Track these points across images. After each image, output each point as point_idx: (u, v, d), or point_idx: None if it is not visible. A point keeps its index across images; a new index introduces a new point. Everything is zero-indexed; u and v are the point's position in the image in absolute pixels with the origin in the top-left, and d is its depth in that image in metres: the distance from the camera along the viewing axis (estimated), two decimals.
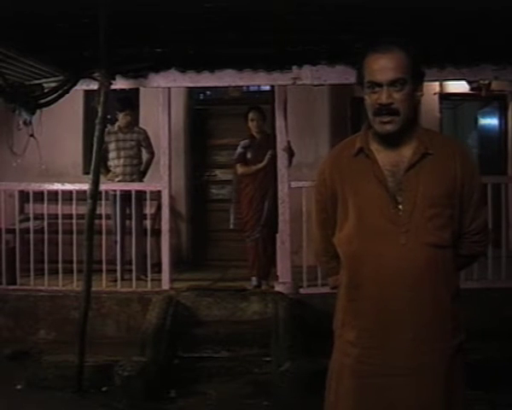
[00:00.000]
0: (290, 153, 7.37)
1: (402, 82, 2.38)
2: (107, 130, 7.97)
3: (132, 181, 8.01)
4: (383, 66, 2.38)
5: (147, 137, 8.20)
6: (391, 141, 2.46)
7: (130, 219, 7.91)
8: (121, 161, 8.03)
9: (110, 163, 8.06)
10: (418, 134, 2.48)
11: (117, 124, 8.12)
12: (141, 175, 8.21)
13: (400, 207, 2.41)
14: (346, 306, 2.52)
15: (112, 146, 8.00)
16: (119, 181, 7.97)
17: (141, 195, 7.80)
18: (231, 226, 7.99)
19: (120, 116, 8.04)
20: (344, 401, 2.49)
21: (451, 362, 2.43)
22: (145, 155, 8.30)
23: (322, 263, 2.81)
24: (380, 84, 2.38)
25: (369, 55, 2.43)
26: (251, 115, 7.65)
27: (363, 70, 2.45)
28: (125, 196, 7.67)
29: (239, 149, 7.71)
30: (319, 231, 2.72)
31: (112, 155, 8.02)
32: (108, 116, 6.88)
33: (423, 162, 2.43)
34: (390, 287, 2.39)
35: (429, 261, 2.38)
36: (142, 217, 7.95)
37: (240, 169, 7.70)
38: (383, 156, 2.47)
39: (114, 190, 7.74)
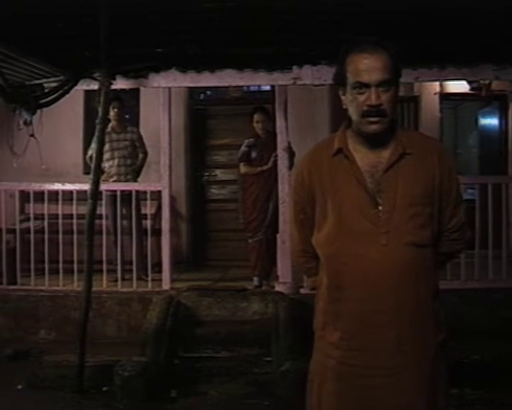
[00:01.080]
0: (291, 153, 7.36)
1: (389, 83, 2.37)
2: None
3: (127, 181, 8.02)
4: (370, 66, 2.36)
5: (140, 137, 8.22)
6: (374, 141, 2.45)
7: (127, 218, 7.90)
8: (115, 161, 8.03)
9: (104, 164, 8.05)
10: (397, 134, 2.47)
11: (110, 124, 8.10)
12: (135, 175, 8.21)
13: (380, 207, 2.40)
14: (327, 307, 2.51)
15: (106, 147, 7.95)
16: (113, 181, 7.97)
17: (138, 195, 7.79)
18: (242, 226, 7.95)
19: (110, 111, 8.01)
20: (326, 403, 2.49)
21: (434, 361, 2.43)
22: (139, 155, 8.29)
23: (300, 264, 2.78)
24: (367, 85, 2.37)
25: (353, 55, 2.41)
26: (256, 117, 7.62)
27: (346, 70, 2.42)
28: (121, 196, 7.66)
29: (243, 148, 7.70)
30: (297, 232, 2.69)
31: (106, 155, 7.98)
32: (109, 116, 6.88)
33: (402, 162, 2.42)
34: (372, 288, 2.38)
35: (410, 261, 2.38)
36: (140, 217, 7.93)
37: (243, 168, 7.69)
38: (362, 157, 2.46)
39: (112, 191, 7.73)
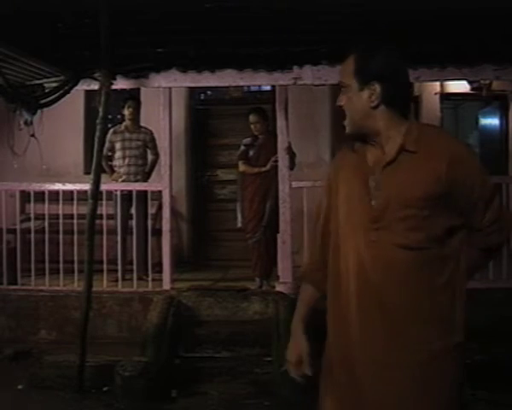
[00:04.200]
0: (291, 154, 7.36)
1: (344, 85, 2.45)
2: (113, 129, 8.01)
3: (136, 181, 8.01)
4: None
5: (153, 139, 8.18)
6: (360, 141, 2.50)
7: (134, 218, 7.89)
8: (126, 160, 8.04)
9: (115, 163, 8.08)
10: (407, 131, 2.42)
11: (123, 123, 8.14)
12: (146, 176, 8.21)
13: (373, 203, 2.39)
14: (329, 301, 2.55)
15: (118, 145, 8.02)
16: (122, 181, 7.98)
17: (145, 195, 7.76)
18: (239, 225, 7.96)
19: (125, 110, 8.08)
20: (327, 396, 2.55)
21: (432, 365, 2.37)
22: (150, 156, 8.29)
23: (307, 266, 2.78)
24: None
25: None
26: (251, 118, 7.63)
27: None
28: (129, 196, 7.67)
29: (241, 147, 7.74)
30: (319, 241, 2.68)
31: (117, 154, 8.05)
32: (109, 116, 6.88)
33: (403, 160, 2.38)
34: (360, 283, 2.38)
35: (399, 262, 2.35)
36: (145, 217, 7.87)
37: (241, 167, 7.71)
38: (371, 153, 2.47)
39: (116, 191, 7.73)
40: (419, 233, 2.35)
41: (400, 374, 2.37)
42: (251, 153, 7.65)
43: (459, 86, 9.52)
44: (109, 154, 8.07)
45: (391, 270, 2.35)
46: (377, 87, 2.39)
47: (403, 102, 2.46)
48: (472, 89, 9.47)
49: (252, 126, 7.64)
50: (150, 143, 8.18)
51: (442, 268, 2.41)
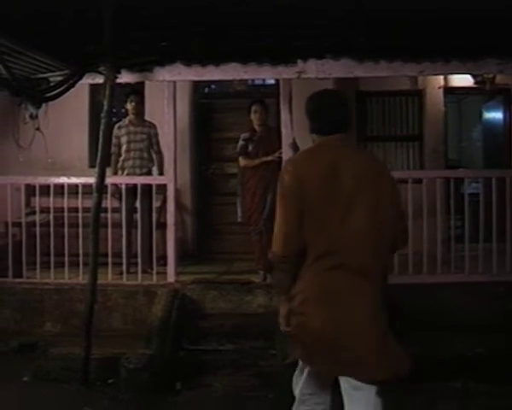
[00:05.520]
0: (295, 149, 7.37)
1: None
2: (118, 125, 8.03)
3: (142, 174, 8.03)
4: None
5: (156, 134, 8.19)
6: None
7: (141, 211, 7.89)
8: (131, 153, 8.06)
9: (121, 157, 8.08)
10: None
11: (127, 118, 8.16)
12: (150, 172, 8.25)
13: None
14: None
15: (123, 140, 8.04)
16: (127, 174, 8.00)
17: (149, 188, 7.74)
18: (239, 219, 7.97)
19: (127, 105, 8.10)
20: None
21: None
22: (154, 155, 8.27)
23: None
24: None
25: None
26: (254, 107, 7.66)
27: None
28: (133, 189, 7.67)
29: (240, 142, 7.74)
30: None
31: (123, 148, 8.05)
32: (114, 110, 6.89)
33: None
34: None
35: None
36: (150, 210, 7.84)
37: (242, 162, 7.72)
38: None
39: (123, 184, 7.74)
40: None
41: None
42: (250, 147, 7.65)
43: (463, 80, 9.48)
44: (118, 150, 8.07)
45: None
46: (309, 122, 3.59)
47: (325, 130, 3.47)
48: (475, 83, 9.44)
49: (253, 116, 7.65)
50: (154, 137, 8.20)
51: None
